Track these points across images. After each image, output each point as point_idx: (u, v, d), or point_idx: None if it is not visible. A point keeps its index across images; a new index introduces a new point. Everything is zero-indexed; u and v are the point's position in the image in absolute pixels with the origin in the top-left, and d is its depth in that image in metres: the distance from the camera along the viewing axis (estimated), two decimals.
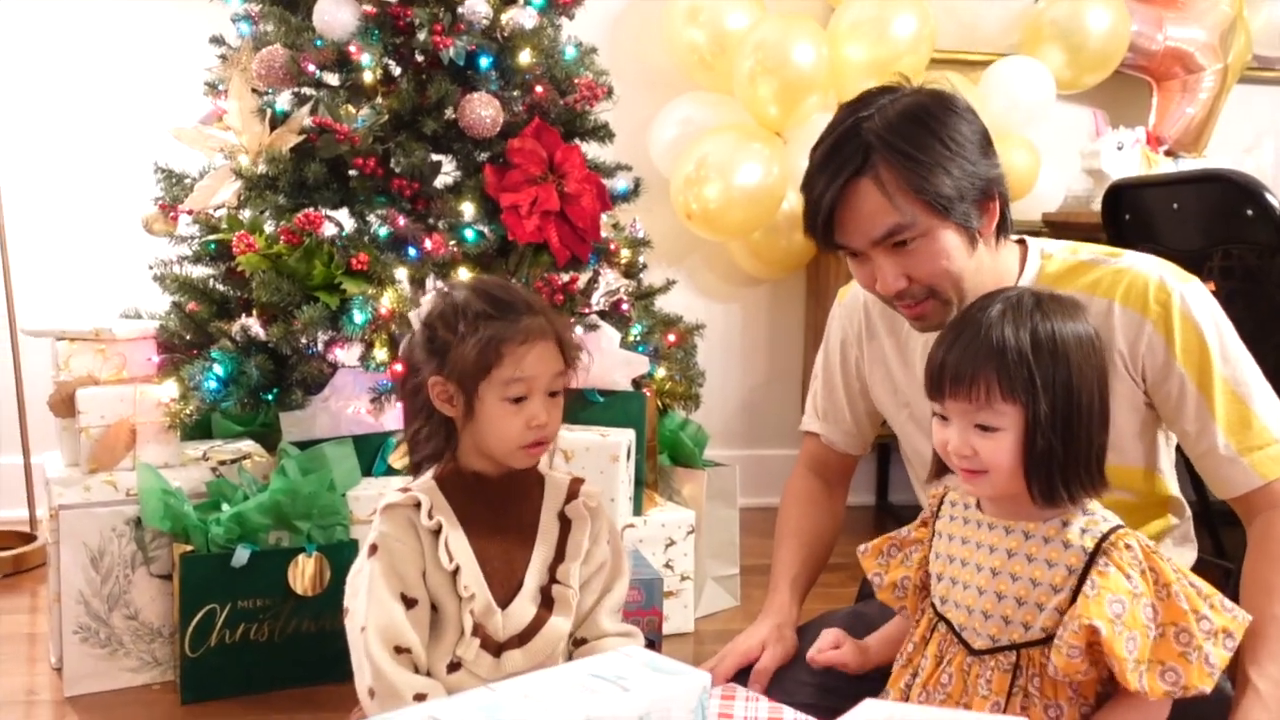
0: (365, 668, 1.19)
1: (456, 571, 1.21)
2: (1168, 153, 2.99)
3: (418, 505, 1.22)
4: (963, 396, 1.09)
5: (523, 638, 1.23)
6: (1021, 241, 1.33)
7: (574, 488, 1.31)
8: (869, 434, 1.55)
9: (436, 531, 1.22)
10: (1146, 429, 1.26)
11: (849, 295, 1.49)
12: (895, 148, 1.15)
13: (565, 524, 1.29)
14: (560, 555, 1.27)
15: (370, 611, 1.19)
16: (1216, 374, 1.20)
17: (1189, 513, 1.37)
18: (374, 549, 1.22)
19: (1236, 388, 1.21)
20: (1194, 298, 1.22)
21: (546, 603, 1.25)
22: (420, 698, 1.17)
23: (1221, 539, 2.29)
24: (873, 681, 1.23)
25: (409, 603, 1.21)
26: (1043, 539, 1.10)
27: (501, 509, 1.27)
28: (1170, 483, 1.32)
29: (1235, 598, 1.19)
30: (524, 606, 1.23)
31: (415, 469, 1.30)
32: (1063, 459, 1.08)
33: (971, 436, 1.10)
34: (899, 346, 1.40)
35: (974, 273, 1.22)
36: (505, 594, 1.24)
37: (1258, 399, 1.21)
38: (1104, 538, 1.08)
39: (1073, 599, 1.06)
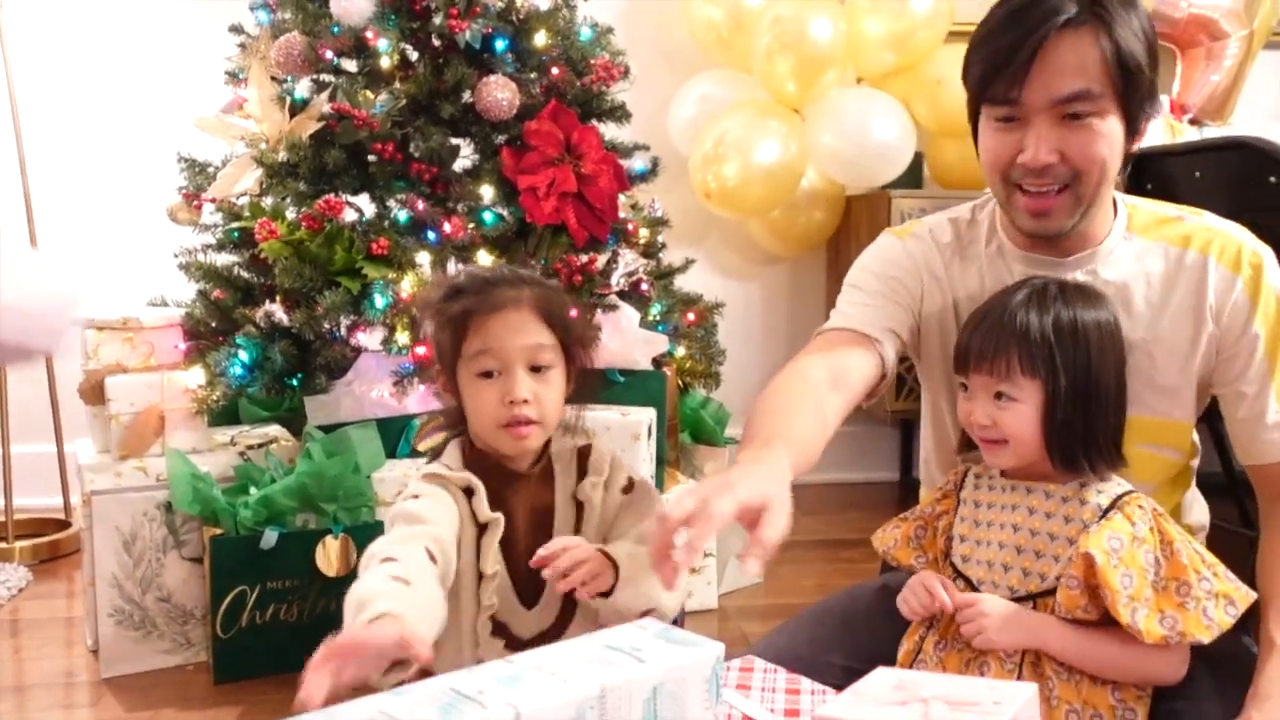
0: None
1: (484, 530, 1.14)
2: (1192, 121, 2.96)
3: (470, 490, 1.14)
4: (985, 370, 1.14)
5: (545, 636, 1.15)
6: None
7: (582, 463, 1.20)
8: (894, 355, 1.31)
9: (467, 490, 1.14)
10: (1205, 385, 1.25)
11: (921, 226, 1.34)
12: (1115, 14, 1.11)
13: (579, 506, 1.20)
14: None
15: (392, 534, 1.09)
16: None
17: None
18: (415, 497, 1.13)
19: None
20: (1273, 264, 1.22)
21: (569, 604, 1.17)
22: (389, 560, 1.03)
23: (1247, 509, 2.28)
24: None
25: (431, 556, 1.07)
26: (1062, 498, 1.15)
27: (514, 498, 1.18)
28: (1193, 436, 1.32)
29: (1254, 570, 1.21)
30: (550, 606, 1.17)
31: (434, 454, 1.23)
32: (1083, 433, 1.12)
33: (992, 408, 1.15)
34: (997, 280, 1.26)
35: (1112, 183, 1.18)
36: (531, 592, 1.16)
37: None
38: (1119, 498, 1.13)
39: None
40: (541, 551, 1.09)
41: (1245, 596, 1.09)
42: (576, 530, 1.19)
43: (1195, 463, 1.33)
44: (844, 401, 1.22)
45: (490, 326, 1.14)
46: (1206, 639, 1.07)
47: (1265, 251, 1.22)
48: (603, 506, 1.19)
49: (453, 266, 2.13)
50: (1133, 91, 1.13)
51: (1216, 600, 1.07)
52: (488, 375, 1.14)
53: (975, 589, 1.18)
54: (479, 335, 1.14)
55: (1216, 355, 1.21)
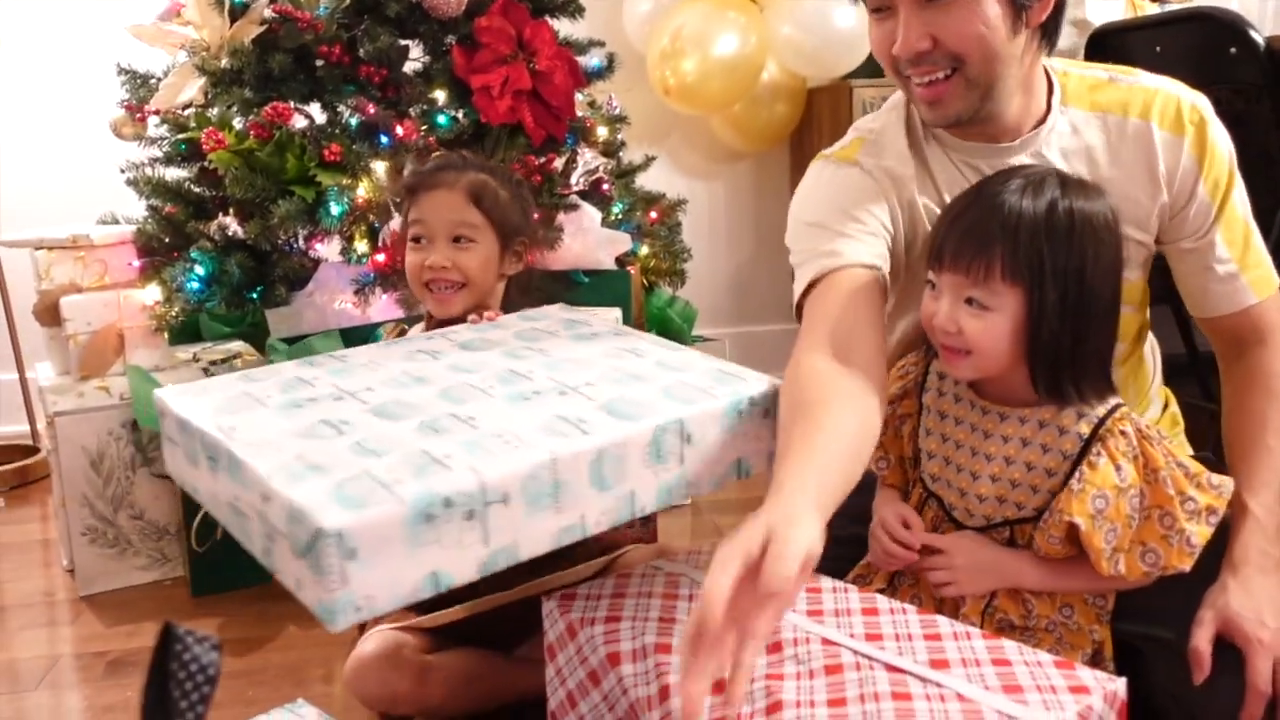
0: None
1: None
2: None
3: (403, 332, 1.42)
4: (961, 269, 1.05)
5: None
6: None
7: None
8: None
9: None
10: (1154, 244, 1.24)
11: (856, 144, 1.26)
12: None
13: None
14: None
15: None
16: (1231, 193, 1.19)
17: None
18: None
19: (1242, 209, 1.20)
20: (1213, 117, 1.19)
21: None
22: None
23: (1209, 384, 2.32)
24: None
25: None
26: (1038, 423, 1.09)
27: None
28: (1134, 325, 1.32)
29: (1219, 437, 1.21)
30: None
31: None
32: (1071, 354, 1.04)
33: (960, 313, 1.06)
34: (950, 184, 1.22)
35: (1009, 62, 1.11)
36: None
37: (1253, 226, 1.22)
38: (1100, 423, 1.07)
39: (1065, 482, 1.07)
40: None
41: (1224, 497, 1.06)
42: None
43: (1147, 310, 1.33)
44: (868, 369, 1.07)
45: (424, 202, 1.43)
46: (1188, 567, 1.05)
47: (1203, 103, 1.19)
48: None
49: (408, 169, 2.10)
50: None
51: (1199, 517, 1.05)
52: (416, 241, 1.43)
53: (948, 512, 1.15)
54: (416, 208, 1.43)
55: (1169, 218, 1.20)
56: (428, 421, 0.98)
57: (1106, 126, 1.19)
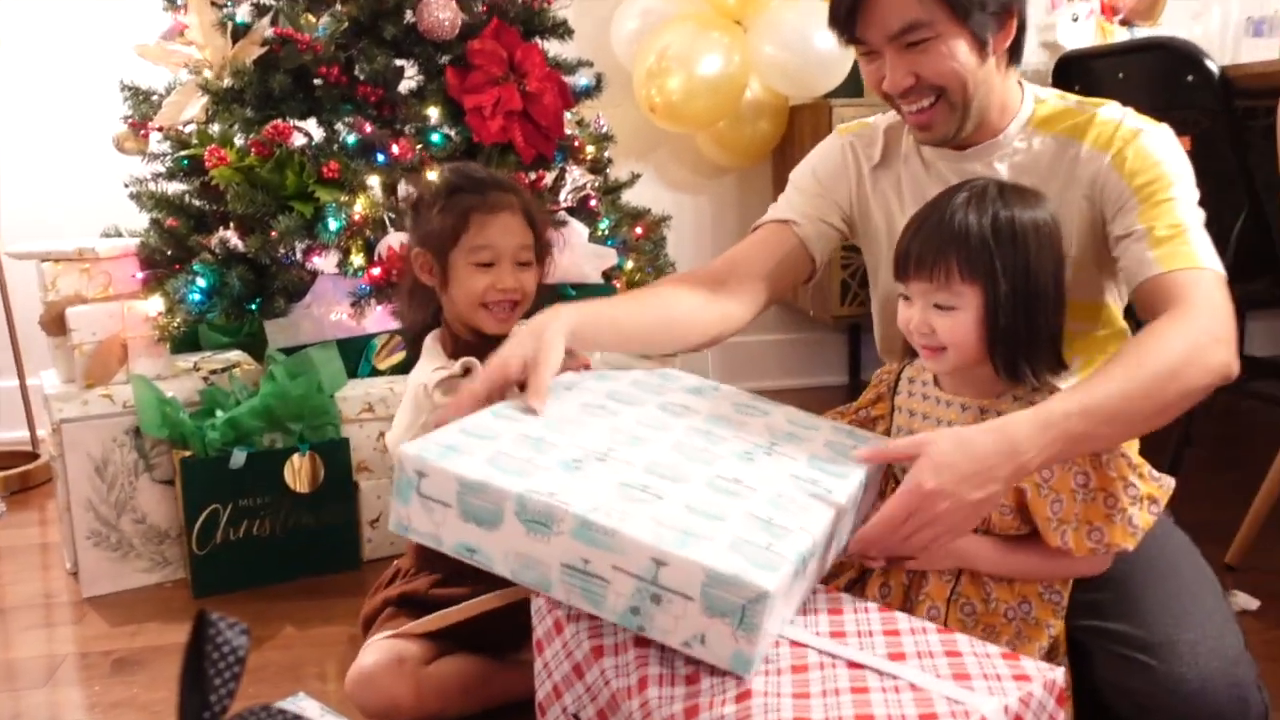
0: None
1: None
2: (1123, 22, 3.02)
3: (468, 372, 1.35)
4: (925, 277, 1.17)
5: None
6: (1019, 84, 1.37)
7: None
8: (822, 256, 1.46)
9: None
10: (1104, 264, 1.31)
11: (861, 126, 1.48)
12: None
13: None
14: None
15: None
16: (1167, 194, 1.21)
17: None
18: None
19: (1181, 213, 1.20)
20: (1156, 135, 1.26)
21: None
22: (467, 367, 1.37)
23: None
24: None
25: None
26: (996, 414, 1.17)
27: None
28: (1120, 315, 1.39)
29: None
30: None
31: (410, 344, 1.43)
32: (1025, 338, 1.15)
33: (931, 315, 1.17)
34: (912, 180, 1.40)
35: (982, 85, 1.26)
36: None
37: (1193, 230, 1.21)
38: None
39: None
40: None
41: (1165, 491, 1.15)
42: None
43: (1126, 337, 1.36)
44: (741, 294, 1.39)
45: (491, 225, 1.42)
46: (1131, 546, 1.13)
47: (1146, 126, 1.26)
48: None
49: (403, 187, 2.17)
50: (964, 14, 1.21)
51: (1141, 504, 1.13)
52: (484, 265, 1.42)
53: None
54: (480, 230, 1.41)
55: (1104, 229, 1.27)
56: (710, 484, 1.03)
57: (1058, 150, 1.30)
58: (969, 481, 1.02)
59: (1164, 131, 1.27)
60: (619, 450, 1.06)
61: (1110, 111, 1.29)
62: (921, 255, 1.17)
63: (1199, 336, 1.10)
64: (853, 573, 1.27)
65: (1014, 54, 1.30)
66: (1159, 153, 1.25)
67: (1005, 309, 1.13)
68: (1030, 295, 1.15)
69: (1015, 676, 0.94)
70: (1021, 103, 1.34)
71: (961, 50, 1.23)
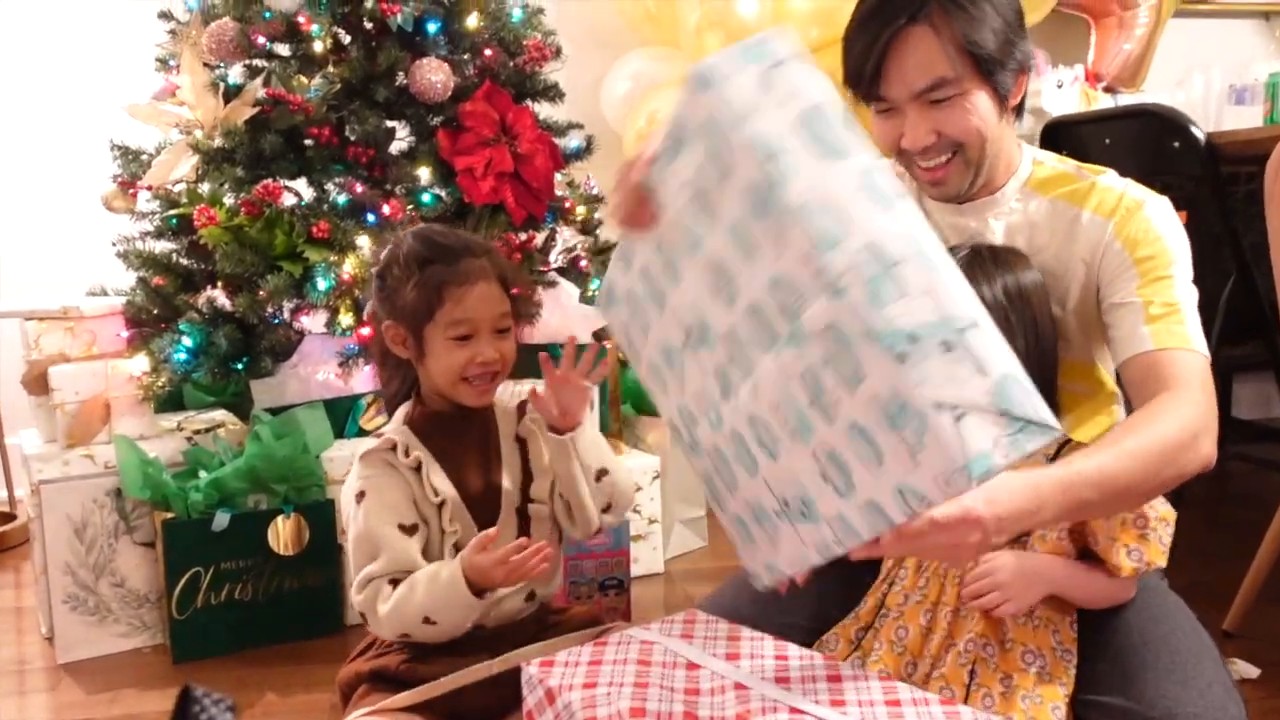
0: (390, 610, 1.24)
1: (442, 505, 1.27)
2: (1107, 89, 3.07)
3: (394, 447, 1.29)
4: None
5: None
6: (1018, 144, 1.38)
7: (521, 409, 1.38)
8: None
9: (416, 469, 1.28)
10: (1092, 326, 1.31)
11: None
12: (957, 4, 1.19)
13: (523, 444, 1.36)
14: (529, 475, 1.35)
15: (379, 557, 1.25)
16: (1167, 272, 1.22)
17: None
18: (361, 495, 1.27)
19: (1178, 292, 1.22)
20: (1158, 208, 1.26)
21: (524, 525, 1.32)
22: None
23: None
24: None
25: (409, 530, 1.26)
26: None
27: (464, 442, 1.34)
28: (1111, 377, 1.37)
29: None
30: (506, 535, 1.29)
31: (389, 412, 1.38)
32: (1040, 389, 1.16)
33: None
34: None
35: (996, 141, 1.26)
36: (488, 522, 1.30)
37: (1187, 310, 1.22)
38: (1059, 449, 1.21)
39: None
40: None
41: (1173, 514, 1.18)
42: (524, 465, 1.35)
43: (1117, 401, 1.36)
44: None
45: (466, 297, 1.30)
46: (1164, 562, 1.17)
47: (1149, 198, 1.27)
48: (542, 444, 1.36)
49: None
50: (989, 71, 1.21)
51: (1164, 525, 1.17)
52: (462, 339, 1.30)
53: None
54: (456, 305, 1.29)
55: (1097, 294, 1.27)
56: None
57: (1055, 212, 1.30)
58: (1001, 523, 1.00)
59: (1165, 205, 1.28)
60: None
61: (1111, 180, 1.30)
62: None
63: (1195, 423, 1.12)
64: (872, 602, 1.27)
65: (1018, 111, 1.32)
66: (1161, 227, 1.25)
67: (1023, 365, 1.16)
68: (1041, 349, 1.21)
69: None
70: (1020, 162, 1.34)
71: (984, 106, 1.23)
